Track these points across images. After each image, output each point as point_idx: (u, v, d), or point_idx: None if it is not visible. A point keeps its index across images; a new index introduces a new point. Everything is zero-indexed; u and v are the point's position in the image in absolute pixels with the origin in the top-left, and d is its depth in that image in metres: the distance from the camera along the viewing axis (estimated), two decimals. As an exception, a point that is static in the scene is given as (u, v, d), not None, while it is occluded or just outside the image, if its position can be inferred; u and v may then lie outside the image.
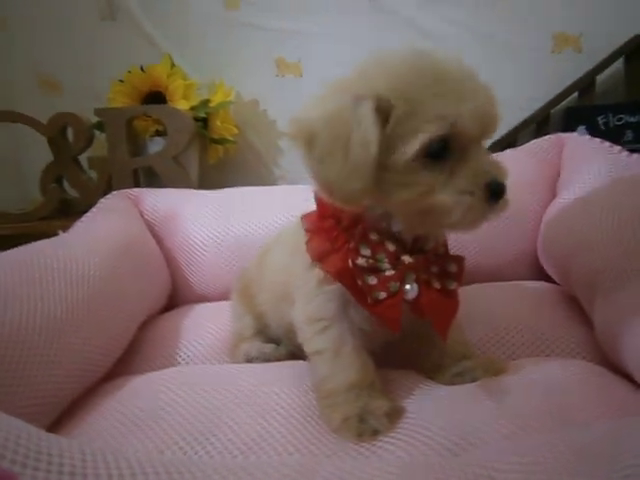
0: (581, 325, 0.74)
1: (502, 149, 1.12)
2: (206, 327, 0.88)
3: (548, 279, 0.94)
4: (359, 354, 0.56)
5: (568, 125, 1.34)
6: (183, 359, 0.82)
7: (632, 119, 1.33)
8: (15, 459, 0.33)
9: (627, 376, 0.60)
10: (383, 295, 0.52)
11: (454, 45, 1.42)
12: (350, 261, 0.52)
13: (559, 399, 0.53)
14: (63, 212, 1.40)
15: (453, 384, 0.59)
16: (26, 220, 1.36)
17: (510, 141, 1.37)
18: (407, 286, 0.53)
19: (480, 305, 0.80)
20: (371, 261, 0.53)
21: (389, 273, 0.53)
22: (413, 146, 0.46)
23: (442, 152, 0.48)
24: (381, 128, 0.47)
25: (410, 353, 0.65)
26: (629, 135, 1.33)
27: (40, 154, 1.43)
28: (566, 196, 0.92)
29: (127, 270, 0.87)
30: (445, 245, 0.58)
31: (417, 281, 0.53)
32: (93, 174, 1.42)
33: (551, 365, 0.63)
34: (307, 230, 0.58)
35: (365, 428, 0.51)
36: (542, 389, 0.55)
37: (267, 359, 0.72)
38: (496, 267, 0.98)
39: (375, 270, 0.53)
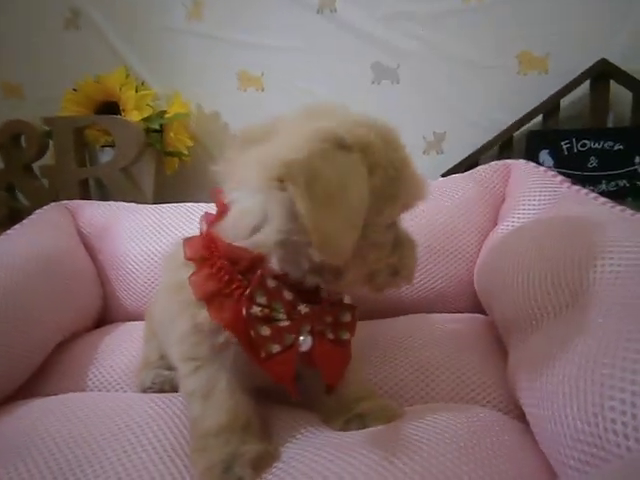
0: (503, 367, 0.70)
1: (466, 169, 1.07)
2: (124, 349, 0.85)
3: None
4: (232, 394, 0.52)
5: (531, 148, 1.31)
6: (93, 383, 0.79)
7: (596, 145, 1.29)
8: None
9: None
10: (277, 348, 0.49)
11: (417, 62, 1.39)
12: (244, 310, 0.49)
13: (440, 455, 0.48)
14: (13, 220, 1.37)
15: (345, 430, 0.55)
16: (-28, 227, 1.34)
17: (472, 163, 1.34)
18: (301, 337, 0.50)
19: (404, 339, 0.77)
20: (266, 310, 0.49)
21: (284, 324, 0.50)
22: (396, 210, 0.51)
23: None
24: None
25: (308, 391, 0.61)
26: (593, 161, 1.29)
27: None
28: (505, 225, 0.89)
29: (43, 287, 0.83)
30: (339, 292, 0.55)
31: (312, 332, 0.51)
32: (46, 183, 1.39)
33: (446, 415, 0.58)
34: (190, 259, 0.54)
35: (228, 478, 0.47)
36: (426, 448, 0.50)
37: (162, 389, 0.68)
38: (434, 298, 0.93)
39: (269, 320, 0.49)
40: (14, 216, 1.37)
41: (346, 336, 0.54)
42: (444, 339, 0.77)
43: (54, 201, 1.08)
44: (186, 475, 0.50)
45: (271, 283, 0.49)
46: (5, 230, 1.25)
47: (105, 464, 0.51)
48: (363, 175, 0.45)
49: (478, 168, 1.02)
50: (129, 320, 1.01)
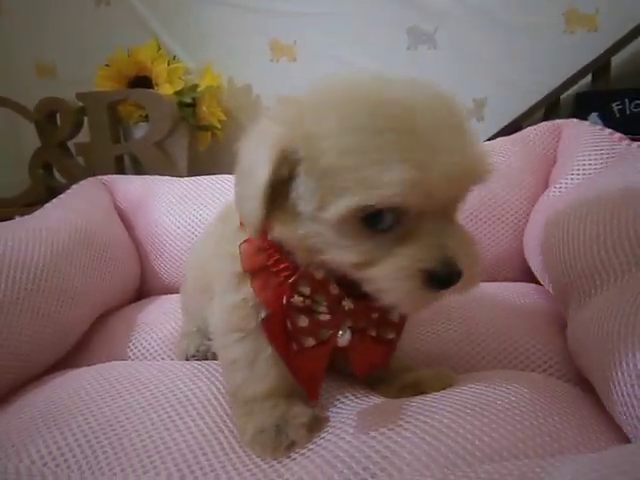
0: (559, 335, 0.66)
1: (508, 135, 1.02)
2: (165, 320, 0.84)
3: (533, 279, 0.85)
4: (277, 361, 0.50)
5: (579, 112, 1.23)
6: (134, 354, 0.79)
7: (651, 105, 1.20)
8: None
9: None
10: (311, 342, 0.47)
11: (455, 24, 1.32)
12: (285, 298, 0.46)
13: (489, 425, 0.45)
14: (51, 199, 1.38)
15: (398, 397, 0.52)
16: (10, 205, 1.35)
17: (515, 129, 1.27)
18: (340, 332, 0.47)
19: (456, 307, 0.74)
20: (308, 301, 0.46)
21: (324, 318, 0.47)
22: (338, 209, 0.38)
23: (383, 221, 0.39)
24: (278, 169, 0.40)
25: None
26: (648, 124, 1.21)
27: (32, 139, 1.42)
28: (557, 188, 0.83)
29: (83, 260, 0.83)
30: None
31: (353, 328, 0.48)
32: (81, 160, 1.39)
33: (501, 381, 0.55)
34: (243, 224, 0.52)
35: (281, 441, 0.46)
36: (478, 410, 0.47)
37: (205, 356, 0.67)
38: (482, 267, 0.89)
39: (309, 311, 0.47)
40: (52, 195, 1.38)
41: (391, 335, 0.50)
42: (494, 307, 0.74)
43: None
44: (233, 440, 0.49)
45: (318, 274, 0.46)
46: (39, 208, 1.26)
47: (151, 430, 0.51)
48: (269, 156, 0.39)
49: (526, 130, 0.96)
50: (166, 293, 1.00)
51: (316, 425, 0.48)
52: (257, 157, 0.41)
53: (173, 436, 0.50)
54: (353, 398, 0.53)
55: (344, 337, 0.47)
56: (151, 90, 1.27)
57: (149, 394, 0.58)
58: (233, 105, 1.45)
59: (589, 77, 1.25)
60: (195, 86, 1.34)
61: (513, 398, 0.49)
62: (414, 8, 1.34)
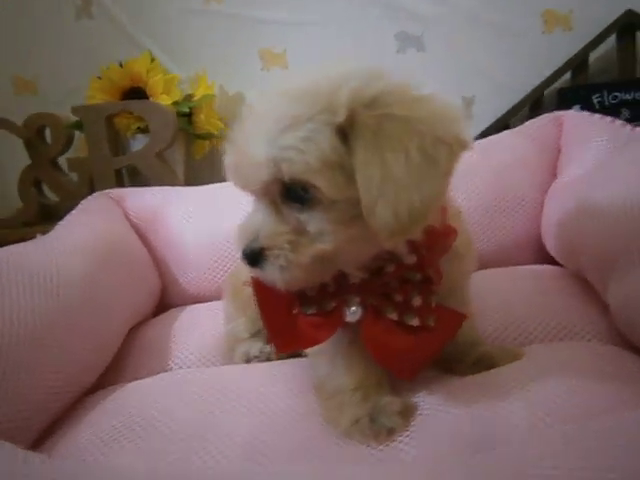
0: (591, 306, 0.71)
1: (497, 132, 1.08)
2: (198, 330, 0.84)
3: (551, 262, 0.90)
4: (362, 352, 0.51)
5: (562, 106, 1.30)
6: (176, 364, 0.78)
7: (627, 96, 1.29)
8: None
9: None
10: (312, 310, 0.49)
11: (442, 28, 1.38)
12: None
13: (580, 385, 0.49)
14: (44, 217, 1.34)
15: (471, 373, 0.55)
16: (5, 227, 1.30)
17: (503, 125, 1.34)
18: (352, 308, 0.48)
19: (488, 291, 0.77)
20: None
21: (329, 289, 0.49)
22: None
23: None
24: None
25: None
26: (625, 113, 1.30)
27: (16, 158, 1.37)
28: (568, 175, 0.89)
29: (112, 275, 0.82)
30: (422, 271, 0.48)
31: (364, 306, 0.48)
32: (73, 176, 1.35)
33: (567, 349, 0.60)
34: None
35: (379, 428, 0.47)
36: (561, 375, 0.51)
37: (268, 359, 0.68)
38: (497, 253, 0.94)
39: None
40: (45, 212, 1.34)
41: (413, 321, 0.48)
42: (526, 288, 0.78)
43: (86, 195, 1.06)
44: (316, 433, 0.50)
45: None
46: (38, 228, 1.22)
47: (232, 433, 0.51)
48: None
49: (528, 123, 1.02)
50: (191, 303, 0.99)
51: (409, 412, 0.49)
52: None
53: (268, 433, 0.50)
54: (434, 381, 0.55)
55: (354, 313, 0.48)
56: (151, 101, 1.25)
57: (223, 395, 0.58)
58: (224, 114, 1.45)
59: (569, 74, 1.34)
60: (190, 96, 1.34)
61: (583, 362, 0.53)
62: (401, 13, 1.39)
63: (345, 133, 0.41)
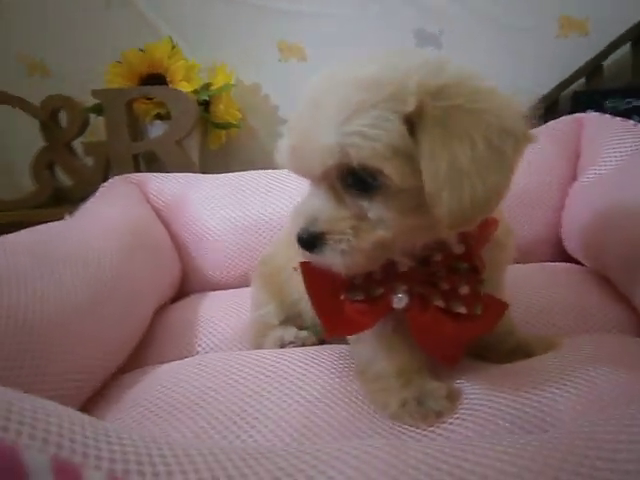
0: (615, 302, 0.73)
1: None
2: (222, 315, 0.85)
3: (570, 260, 0.92)
4: (404, 337, 0.52)
5: (576, 109, 1.32)
6: (203, 348, 0.78)
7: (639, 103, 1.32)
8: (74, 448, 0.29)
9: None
10: (359, 296, 0.50)
11: (460, 27, 1.39)
12: None
13: (624, 373, 0.50)
14: (56, 200, 1.33)
15: (509, 361, 0.56)
16: (19, 208, 1.29)
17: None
18: (399, 295, 0.49)
19: (513, 286, 0.78)
20: None
21: (376, 276, 0.50)
22: None
23: None
24: None
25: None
26: (636, 119, 1.32)
27: (30, 139, 1.36)
28: (589, 176, 0.91)
29: (140, 256, 0.83)
30: (469, 261, 0.50)
31: (410, 294, 0.49)
32: (88, 161, 1.35)
33: (602, 341, 0.61)
34: None
35: (427, 411, 0.48)
36: (604, 363, 0.52)
37: (303, 344, 0.69)
38: (521, 247, 0.95)
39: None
40: (59, 196, 1.34)
41: (460, 309, 0.49)
42: (546, 282, 0.80)
43: (102, 180, 1.06)
44: (360, 417, 0.50)
45: None
46: (52, 210, 1.21)
47: (267, 421, 0.51)
48: None
49: (550, 123, 1.03)
50: (212, 289, 1.00)
51: (455, 397, 0.50)
52: None
53: (319, 414, 0.51)
54: (473, 367, 0.56)
55: (401, 300, 0.49)
56: (173, 87, 1.25)
57: (261, 379, 0.59)
58: (241, 104, 1.45)
59: (584, 78, 1.36)
60: (208, 84, 1.33)
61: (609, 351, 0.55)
62: (421, 12, 1.40)
63: (412, 122, 0.42)
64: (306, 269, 0.52)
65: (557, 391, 0.48)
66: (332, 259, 0.45)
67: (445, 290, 0.49)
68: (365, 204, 0.44)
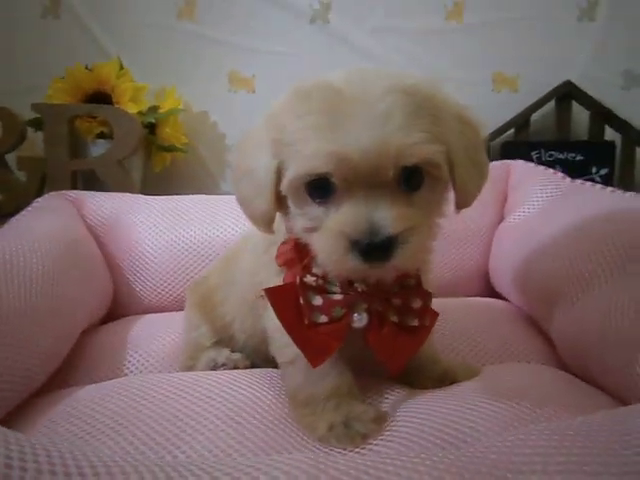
0: (536, 335, 0.78)
1: None
2: (153, 338, 0.83)
3: (496, 296, 0.98)
4: (335, 362, 0.53)
5: (504, 158, 1.42)
6: (130, 370, 0.76)
7: (561, 156, 1.45)
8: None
9: (589, 381, 0.63)
10: (324, 319, 0.50)
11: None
12: (298, 277, 0.50)
13: (537, 400, 0.54)
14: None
15: (434, 388, 0.58)
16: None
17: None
18: (356, 314, 0.50)
19: (441, 318, 0.82)
20: (321, 281, 0.51)
21: (337, 297, 0.51)
22: (287, 178, 0.47)
23: (322, 190, 0.46)
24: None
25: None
26: (558, 170, 1.44)
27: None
28: (515, 217, 0.98)
29: (69, 272, 0.80)
30: (416, 277, 0.53)
31: (369, 312, 0.51)
32: (20, 175, 1.29)
33: (522, 370, 0.65)
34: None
35: (354, 433, 0.49)
36: (519, 392, 0.55)
37: (236, 366, 0.68)
38: (451, 282, 1.00)
39: (322, 291, 0.51)
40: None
41: (413, 322, 0.52)
42: (478, 317, 0.84)
43: (35, 195, 1.02)
44: (289, 439, 0.51)
45: None
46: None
47: (199, 437, 0.51)
48: (264, 154, 0.49)
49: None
50: (146, 312, 0.97)
51: (381, 419, 0.52)
52: (256, 159, 0.49)
53: (244, 433, 0.51)
54: (400, 392, 0.58)
55: (360, 319, 0.50)
56: (118, 107, 1.23)
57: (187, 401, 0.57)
58: (188, 130, 1.45)
59: (512, 130, 1.47)
60: (155, 107, 1.33)
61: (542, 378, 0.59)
62: (367, 57, 1.49)
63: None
64: (274, 297, 0.51)
65: (477, 414, 0.51)
66: (405, 260, 0.45)
67: (398, 305, 0.51)
68: (415, 199, 0.47)
